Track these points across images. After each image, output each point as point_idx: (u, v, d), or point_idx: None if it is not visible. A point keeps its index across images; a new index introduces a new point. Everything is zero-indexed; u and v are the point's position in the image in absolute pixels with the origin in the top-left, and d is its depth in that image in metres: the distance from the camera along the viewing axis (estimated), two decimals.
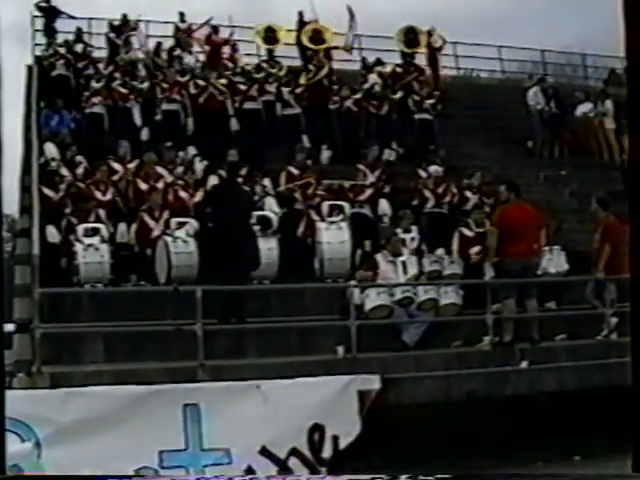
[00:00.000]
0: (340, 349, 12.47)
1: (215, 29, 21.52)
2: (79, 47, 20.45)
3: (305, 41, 21.37)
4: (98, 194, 15.44)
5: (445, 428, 11.20)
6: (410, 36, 21.53)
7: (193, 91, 18.82)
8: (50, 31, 21.36)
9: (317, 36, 21.31)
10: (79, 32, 20.93)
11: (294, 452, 10.59)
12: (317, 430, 10.70)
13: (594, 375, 12.24)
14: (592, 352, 12.77)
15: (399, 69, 21.21)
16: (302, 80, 19.95)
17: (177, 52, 20.83)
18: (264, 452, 10.48)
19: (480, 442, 10.94)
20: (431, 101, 20.09)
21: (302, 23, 21.84)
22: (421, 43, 21.67)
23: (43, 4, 21.41)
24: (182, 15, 21.56)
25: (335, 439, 10.76)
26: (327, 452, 10.74)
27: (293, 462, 10.61)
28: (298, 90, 19.65)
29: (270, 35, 21.44)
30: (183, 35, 21.25)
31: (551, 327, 13.73)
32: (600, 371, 12.35)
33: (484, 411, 11.56)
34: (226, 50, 21.31)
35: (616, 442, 9.25)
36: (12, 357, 12.80)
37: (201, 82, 19.04)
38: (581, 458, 11.37)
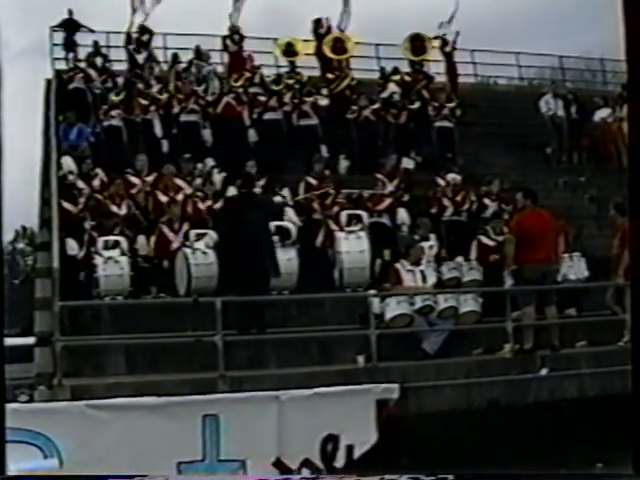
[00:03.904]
0: (360, 358, 12.49)
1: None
2: (98, 60, 20.53)
3: (327, 51, 21.37)
4: (117, 207, 15.50)
5: (466, 436, 11.18)
6: (416, 43, 21.52)
7: (211, 100, 18.95)
8: (70, 45, 21.46)
9: (339, 46, 21.33)
10: (97, 45, 21.02)
11: (306, 463, 10.61)
12: (331, 440, 10.71)
13: (615, 382, 12.15)
14: (613, 358, 12.65)
15: (408, 77, 21.23)
16: (324, 90, 20.02)
17: (195, 63, 20.93)
18: (277, 464, 10.51)
19: (502, 450, 10.90)
20: (451, 105, 20.10)
21: (318, 34, 21.84)
22: (428, 50, 21.63)
23: (64, 17, 21.49)
24: (235, 28, 21.57)
25: (350, 448, 10.78)
26: (340, 462, 10.75)
27: (305, 472, 10.62)
28: (319, 100, 19.69)
29: (290, 49, 21.50)
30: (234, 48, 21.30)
31: (572, 334, 13.70)
32: (621, 378, 12.27)
33: (505, 419, 11.55)
34: (247, 61, 21.35)
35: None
36: (33, 370, 12.89)
37: (218, 91, 19.19)
38: (603, 465, 11.30)
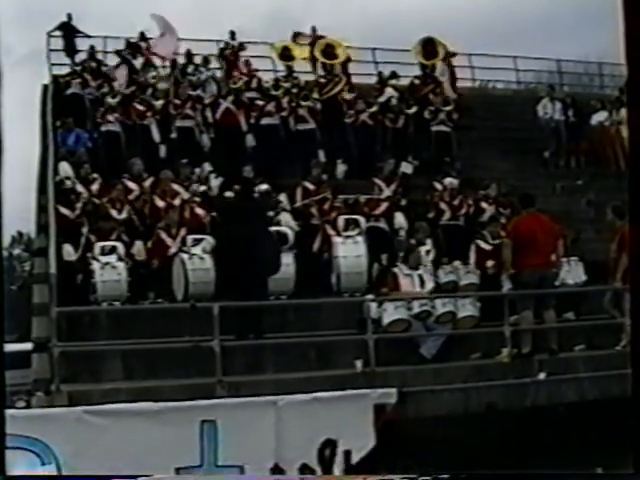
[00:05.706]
0: (358, 363, 12.46)
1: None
2: (94, 65, 20.50)
3: (318, 55, 21.39)
4: (114, 212, 15.48)
5: (465, 440, 11.15)
6: (428, 48, 21.54)
7: (208, 106, 18.95)
8: (68, 50, 21.45)
9: (330, 51, 21.34)
10: (94, 50, 21.00)
11: (304, 468, 10.59)
12: (329, 445, 10.70)
13: (613, 385, 12.13)
14: (611, 362, 12.63)
15: (417, 81, 21.26)
16: (316, 94, 20.03)
17: (191, 68, 20.95)
18: (276, 469, 10.50)
19: (500, 454, 10.87)
20: (448, 108, 20.09)
21: (315, 38, 21.87)
22: (440, 54, 21.65)
23: (62, 22, 21.50)
24: (233, 34, 21.62)
25: (347, 453, 10.76)
26: (338, 467, 10.73)
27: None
28: (315, 105, 19.68)
29: (287, 53, 21.55)
30: (230, 55, 21.36)
31: (570, 338, 13.69)
32: (619, 381, 12.25)
33: (503, 423, 11.53)
34: (243, 66, 21.37)
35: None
36: (30, 376, 12.86)
37: (216, 96, 19.23)
38: (603, 469, 11.27)
